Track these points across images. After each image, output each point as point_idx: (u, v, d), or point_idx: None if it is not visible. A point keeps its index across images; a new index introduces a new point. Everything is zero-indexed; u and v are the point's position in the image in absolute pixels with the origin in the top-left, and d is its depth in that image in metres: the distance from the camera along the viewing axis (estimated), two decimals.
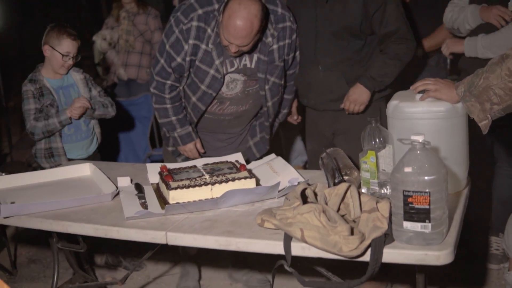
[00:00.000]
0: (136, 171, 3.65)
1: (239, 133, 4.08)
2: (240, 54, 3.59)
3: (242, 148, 4.07)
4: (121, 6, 6.50)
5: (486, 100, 2.67)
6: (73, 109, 4.15)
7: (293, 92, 4.14)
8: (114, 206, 3.12)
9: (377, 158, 2.83)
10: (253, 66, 3.73)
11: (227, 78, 3.74)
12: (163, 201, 3.07)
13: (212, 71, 3.66)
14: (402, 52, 3.77)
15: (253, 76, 3.76)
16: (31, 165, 4.68)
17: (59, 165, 4.14)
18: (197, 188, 3.00)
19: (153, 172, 3.40)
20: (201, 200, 2.98)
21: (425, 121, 2.82)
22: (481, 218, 4.44)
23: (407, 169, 2.32)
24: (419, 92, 2.88)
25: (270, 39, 3.67)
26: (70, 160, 4.29)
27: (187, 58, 3.67)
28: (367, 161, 2.83)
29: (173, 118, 3.88)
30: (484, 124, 2.71)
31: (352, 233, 2.37)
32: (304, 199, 2.65)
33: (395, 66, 3.78)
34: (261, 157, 3.89)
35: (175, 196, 2.98)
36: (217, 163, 3.36)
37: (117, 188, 3.30)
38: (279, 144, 6.13)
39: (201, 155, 3.93)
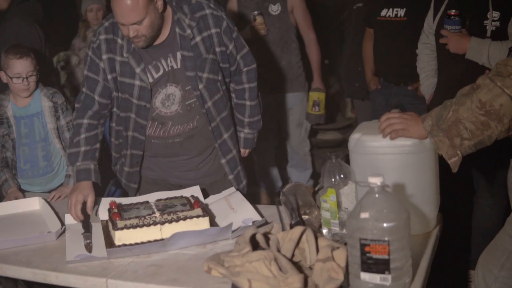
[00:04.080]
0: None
1: (201, 155, 3.65)
2: (146, 42, 3.23)
3: (214, 169, 3.70)
4: (88, 25, 6.27)
5: (456, 135, 2.45)
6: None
7: (254, 97, 3.71)
8: (58, 247, 2.89)
9: (338, 196, 2.62)
10: (179, 66, 3.37)
11: (161, 94, 3.40)
12: (109, 241, 2.84)
13: (137, 82, 3.35)
14: None
15: (188, 82, 3.40)
16: None
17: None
18: (145, 228, 2.77)
19: (104, 207, 3.16)
20: (149, 241, 2.75)
21: (390, 156, 2.60)
22: (460, 250, 4.23)
23: (364, 215, 2.10)
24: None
25: (189, 31, 3.33)
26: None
27: (108, 76, 3.38)
28: (327, 199, 2.62)
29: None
30: (453, 162, 2.49)
31: (306, 284, 2.15)
32: (255, 243, 2.42)
33: None
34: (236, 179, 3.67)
35: (121, 236, 2.75)
36: (171, 198, 3.14)
37: (63, 225, 3.07)
38: (252, 170, 5.94)
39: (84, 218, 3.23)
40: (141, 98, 3.38)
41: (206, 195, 3.35)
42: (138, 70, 3.32)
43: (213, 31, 3.38)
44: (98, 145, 3.48)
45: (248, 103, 3.70)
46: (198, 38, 3.36)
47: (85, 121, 3.45)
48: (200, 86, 3.38)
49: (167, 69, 3.36)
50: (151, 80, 3.36)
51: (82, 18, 6.28)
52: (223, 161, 3.60)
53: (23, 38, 4.68)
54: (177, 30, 3.32)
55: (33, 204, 3.49)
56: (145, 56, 3.34)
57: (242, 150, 3.82)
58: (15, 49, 3.93)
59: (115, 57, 3.35)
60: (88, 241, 2.87)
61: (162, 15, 3.25)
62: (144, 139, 3.49)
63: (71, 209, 3.16)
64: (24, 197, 3.77)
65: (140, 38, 3.18)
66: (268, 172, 5.94)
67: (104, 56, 3.35)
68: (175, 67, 3.36)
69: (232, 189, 3.34)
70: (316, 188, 5.41)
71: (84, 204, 3.19)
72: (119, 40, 3.33)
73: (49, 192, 3.88)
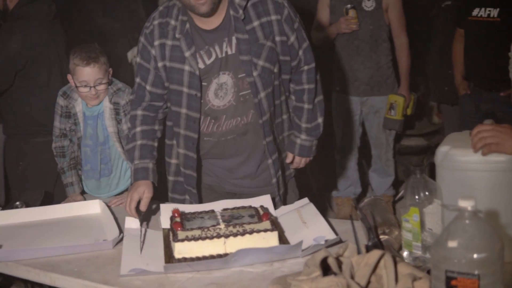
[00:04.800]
0: (157, 211, 3.20)
1: (254, 155, 3.38)
2: (211, 5, 2.96)
3: (263, 174, 3.42)
4: None
5: None
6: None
7: (311, 100, 3.39)
8: (114, 257, 2.70)
9: (421, 215, 2.35)
10: (234, 51, 3.12)
11: (213, 85, 3.16)
12: (169, 253, 2.64)
13: (186, 67, 3.12)
14: None
15: (241, 68, 3.15)
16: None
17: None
18: (208, 241, 2.55)
19: (166, 214, 2.95)
20: (211, 255, 2.54)
21: (481, 174, 2.30)
22: None
23: (452, 244, 1.81)
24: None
25: (240, 11, 3.08)
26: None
27: (159, 64, 3.18)
28: (410, 219, 2.36)
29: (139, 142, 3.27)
30: None
31: None
32: (326, 266, 2.16)
33: None
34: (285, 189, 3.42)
35: (181, 249, 2.54)
36: (239, 208, 2.90)
37: (121, 233, 2.88)
38: (334, 170, 5.71)
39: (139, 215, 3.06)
40: (191, 86, 3.15)
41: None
42: (187, 54, 3.10)
43: (273, 17, 3.13)
44: (155, 143, 3.30)
45: (306, 106, 3.40)
46: (255, 23, 3.12)
47: (139, 112, 3.28)
48: (255, 74, 3.13)
49: (220, 55, 3.13)
50: (202, 66, 3.13)
51: None
52: (269, 161, 3.31)
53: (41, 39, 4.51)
54: (232, 12, 3.09)
55: (94, 208, 3.32)
56: (198, 40, 3.13)
57: (297, 159, 3.52)
58: (82, 53, 3.57)
59: (166, 42, 3.15)
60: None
61: None
62: (196, 138, 3.26)
63: (126, 208, 3.02)
64: (84, 200, 3.61)
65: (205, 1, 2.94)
66: (348, 175, 5.69)
67: (156, 42, 3.16)
68: (229, 52, 3.13)
69: (305, 200, 3.09)
70: (396, 198, 5.16)
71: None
72: (172, 22, 3.13)
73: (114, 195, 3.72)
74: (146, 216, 3.04)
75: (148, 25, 3.19)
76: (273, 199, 3.18)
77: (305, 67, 3.31)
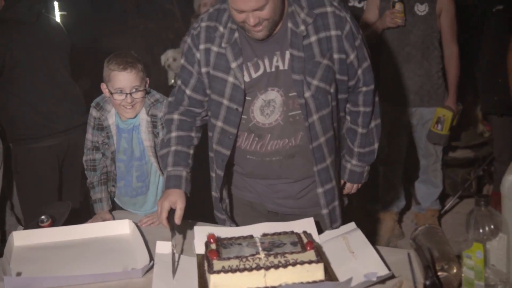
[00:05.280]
0: (190, 231, 2.98)
1: (303, 182, 3.13)
2: (266, 32, 2.76)
3: (309, 194, 3.15)
4: None
5: None
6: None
7: (366, 124, 3.16)
8: (144, 286, 2.50)
9: (485, 251, 2.11)
10: (286, 67, 2.87)
11: (259, 100, 2.93)
12: (203, 285, 2.41)
13: (230, 78, 2.90)
14: None
15: (293, 87, 2.89)
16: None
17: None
18: (246, 272, 2.31)
19: (201, 237, 2.73)
20: None
21: None
22: None
23: None
24: None
25: (302, 27, 2.82)
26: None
27: (202, 70, 2.95)
28: (472, 255, 2.12)
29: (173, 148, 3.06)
30: None
31: None
32: None
33: None
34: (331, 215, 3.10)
35: (217, 282, 2.31)
36: (280, 234, 2.66)
37: (151, 260, 2.65)
38: (376, 182, 5.46)
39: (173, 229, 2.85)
40: (233, 99, 2.92)
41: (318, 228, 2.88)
42: (233, 65, 2.87)
43: (332, 33, 2.86)
44: (191, 150, 3.07)
45: (360, 130, 3.16)
46: (313, 38, 2.85)
47: (176, 116, 3.08)
48: (307, 94, 2.87)
49: (269, 70, 2.89)
50: (247, 79, 2.90)
51: (195, 13, 5.96)
52: (320, 190, 3.04)
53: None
54: (289, 25, 2.84)
55: (123, 228, 3.09)
56: (247, 50, 2.89)
57: (348, 185, 3.31)
58: (118, 58, 3.35)
59: (212, 47, 2.93)
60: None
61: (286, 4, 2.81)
62: (228, 155, 3.03)
63: (158, 218, 2.86)
64: (113, 219, 3.40)
65: (262, 25, 2.72)
66: (393, 187, 5.43)
67: (202, 46, 2.95)
68: (280, 67, 2.88)
69: (352, 225, 2.83)
70: (442, 211, 4.91)
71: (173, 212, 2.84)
72: (221, 28, 2.91)
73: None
74: (178, 239, 2.83)
75: (196, 26, 2.98)
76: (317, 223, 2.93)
77: (363, 88, 3.06)
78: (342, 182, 3.27)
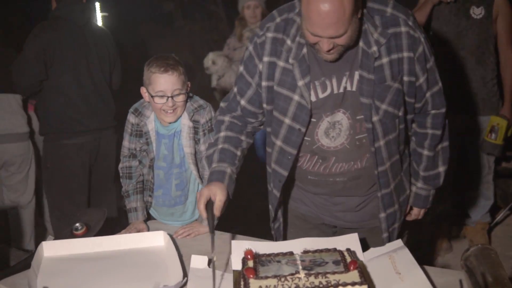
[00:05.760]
0: (223, 244, 2.84)
1: (364, 198, 2.99)
2: (337, 55, 2.59)
3: (369, 214, 3.00)
4: (244, 24, 5.85)
5: None
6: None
7: (433, 147, 3.00)
8: None
9: None
10: (354, 89, 2.70)
11: (325, 123, 2.76)
12: None
13: (296, 97, 2.72)
14: None
15: (360, 110, 2.73)
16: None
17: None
18: None
19: (238, 253, 2.57)
20: None
21: None
22: None
23: None
24: None
25: (374, 48, 2.64)
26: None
27: (263, 83, 2.79)
28: None
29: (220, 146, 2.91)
30: None
31: None
32: None
33: None
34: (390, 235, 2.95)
35: None
36: (322, 251, 2.49)
37: (185, 276, 2.51)
38: None
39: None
40: (296, 119, 2.75)
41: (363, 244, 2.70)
42: (300, 83, 2.69)
43: (405, 54, 2.68)
44: (238, 152, 2.91)
45: (426, 152, 2.98)
46: (384, 60, 2.66)
47: (227, 118, 2.95)
48: (375, 119, 2.70)
49: (336, 91, 2.71)
50: (314, 99, 2.72)
51: (239, 16, 5.85)
52: (382, 215, 2.90)
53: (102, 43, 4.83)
54: (361, 44, 2.65)
55: (157, 240, 2.95)
56: (315, 68, 2.71)
57: (415, 210, 3.14)
58: (159, 60, 3.22)
59: (278, 62, 2.75)
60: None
61: (360, 24, 2.63)
62: (285, 176, 2.88)
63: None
64: (148, 229, 3.27)
65: (335, 49, 2.55)
66: (441, 199, 5.19)
67: (266, 59, 2.77)
68: (348, 88, 2.70)
69: (399, 242, 2.64)
70: (492, 224, 4.70)
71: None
72: (288, 42, 2.72)
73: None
74: (216, 254, 2.68)
75: (261, 34, 2.81)
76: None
77: (432, 111, 2.90)
78: (408, 207, 3.11)
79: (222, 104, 3.01)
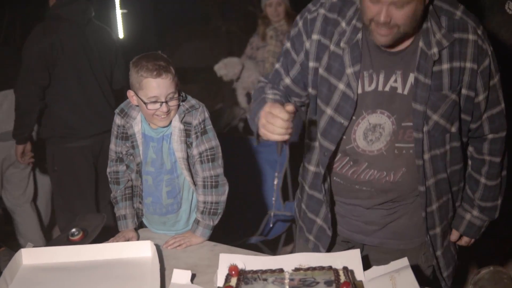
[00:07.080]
0: (214, 257, 2.60)
1: (388, 214, 2.72)
2: (392, 40, 2.34)
3: (407, 229, 2.75)
4: (268, 23, 5.65)
5: None
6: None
7: (494, 177, 2.73)
8: None
9: None
10: (406, 92, 2.45)
11: (365, 122, 2.51)
12: None
13: (341, 86, 2.48)
14: None
15: (409, 116, 2.48)
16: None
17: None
18: None
19: (225, 267, 2.33)
20: None
21: None
22: None
23: None
24: None
25: (435, 49, 2.38)
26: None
27: (310, 64, 2.53)
28: None
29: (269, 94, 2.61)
30: None
31: None
32: None
33: None
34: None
35: None
36: (315, 268, 2.24)
37: None
38: None
39: None
40: (339, 111, 2.50)
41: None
42: (349, 70, 2.45)
43: (468, 65, 2.44)
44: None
45: (483, 180, 2.72)
46: (445, 66, 2.41)
47: (269, 87, 2.67)
48: (425, 129, 2.45)
49: (381, 88, 2.47)
50: (360, 91, 2.48)
51: (262, 14, 5.67)
52: (439, 253, 2.69)
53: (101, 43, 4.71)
54: (421, 43, 2.41)
55: (143, 250, 2.72)
56: (365, 58, 2.47)
57: (465, 239, 2.88)
58: (149, 62, 2.85)
59: (328, 44, 2.51)
60: None
61: (425, 11, 2.37)
62: (323, 174, 2.62)
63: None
64: (139, 238, 3.04)
65: (391, 30, 2.30)
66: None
67: (315, 36, 2.54)
68: (399, 90, 2.46)
69: (404, 261, 2.33)
70: None
71: None
72: (343, 24, 2.48)
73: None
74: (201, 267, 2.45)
75: (313, 10, 2.56)
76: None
77: (490, 136, 2.64)
78: (457, 234, 2.85)
79: (261, 82, 2.76)
